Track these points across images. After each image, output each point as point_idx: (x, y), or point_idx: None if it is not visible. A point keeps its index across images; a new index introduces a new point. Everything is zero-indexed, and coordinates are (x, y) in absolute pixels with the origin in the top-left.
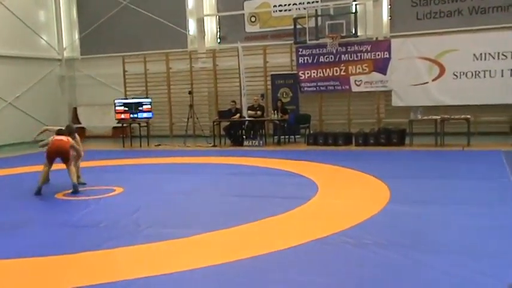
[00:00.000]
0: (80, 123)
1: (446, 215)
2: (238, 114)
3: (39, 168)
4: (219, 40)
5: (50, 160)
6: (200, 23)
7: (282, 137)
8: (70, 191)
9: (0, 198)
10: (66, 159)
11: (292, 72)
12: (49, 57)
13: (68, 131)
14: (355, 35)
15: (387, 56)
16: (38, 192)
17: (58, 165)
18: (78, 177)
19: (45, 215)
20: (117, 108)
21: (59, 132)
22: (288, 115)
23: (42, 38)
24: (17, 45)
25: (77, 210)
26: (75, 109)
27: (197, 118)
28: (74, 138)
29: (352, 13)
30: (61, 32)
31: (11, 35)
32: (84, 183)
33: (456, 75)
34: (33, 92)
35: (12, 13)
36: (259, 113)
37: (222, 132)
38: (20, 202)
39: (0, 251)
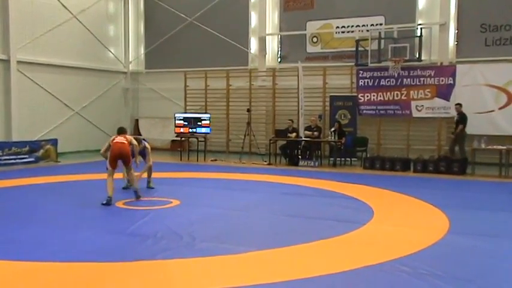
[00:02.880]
0: (140, 134)
1: (508, 249)
2: (294, 134)
3: (102, 176)
4: (279, 59)
5: (114, 163)
6: (262, 41)
7: (338, 159)
8: (129, 200)
9: (61, 204)
10: (127, 162)
11: (352, 94)
12: (115, 70)
13: (119, 132)
14: (419, 59)
15: (451, 82)
16: (109, 203)
17: (118, 175)
18: (148, 182)
19: (104, 222)
20: (177, 122)
21: (120, 131)
22: (345, 137)
23: (110, 51)
24: (87, 58)
25: (134, 219)
26: (136, 121)
27: (254, 135)
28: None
29: (417, 37)
30: (128, 46)
31: (83, 47)
32: (153, 187)
33: None
34: (99, 103)
35: (85, 27)
36: (316, 133)
37: (278, 151)
38: (80, 208)
39: (58, 254)
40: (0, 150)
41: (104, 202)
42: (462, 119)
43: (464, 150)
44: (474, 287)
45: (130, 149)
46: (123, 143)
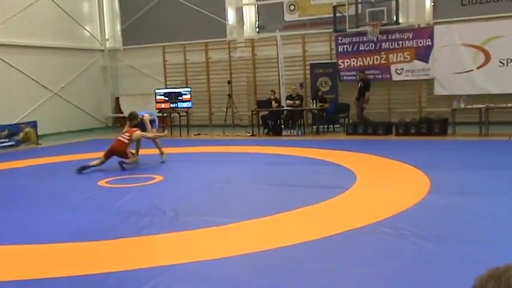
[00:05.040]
0: (121, 112)
1: (488, 206)
2: (276, 104)
3: (83, 156)
4: (257, 29)
5: (108, 156)
6: (239, 12)
7: (321, 126)
8: (112, 178)
9: (43, 187)
10: (124, 157)
11: (332, 61)
12: (92, 48)
13: (128, 120)
14: (397, 22)
15: (429, 43)
16: (80, 170)
17: (100, 154)
18: (161, 153)
19: (87, 202)
20: (157, 97)
21: (128, 118)
22: (327, 104)
23: (85, 29)
24: (62, 37)
25: (118, 197)
26: (117, 99)
27: (236, 108)
28: (137, 125)
29: (394, 0)
30: (104, 23)
31: (57, 26)
32: (164, 160)
33: (502, 63)
34: (77, 83)
35: (57, 5)
36: (297, 102)
37: (261, 122)
38: (62, 190)
39: (42, 235)
40: None
41: (77, 169)
42: (367, 85)
43: (364, 115)
44: (455, 244)
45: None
46: (120, 141)
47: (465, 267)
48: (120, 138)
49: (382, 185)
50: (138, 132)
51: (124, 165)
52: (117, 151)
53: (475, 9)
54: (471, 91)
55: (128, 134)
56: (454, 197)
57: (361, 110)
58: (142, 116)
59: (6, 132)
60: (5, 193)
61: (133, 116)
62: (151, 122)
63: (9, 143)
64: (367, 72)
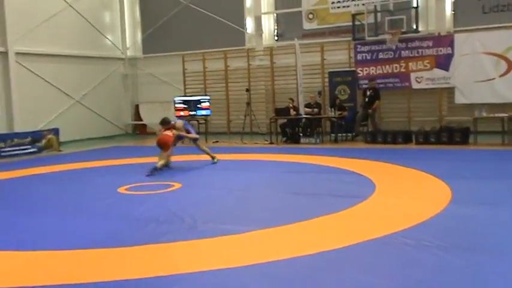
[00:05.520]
0: (141, 120)
1: (509, 217)
2: (294, 112)
3: (103, 163)
4: (276, 38)
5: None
6: (258, 21)
7: (340, 134)
8: (131, 185)
9: (64, 193)
10: (164, 149)
11: (350, 69)
12: (113, 57)
13: (161, 124)
14: (416, 30)
15: (450, 51)
16: (153, 172)
17: (120, 161)
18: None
19: (106, 208)
20: (176, 105)
21: (162, 123)
22: (346, 112)
23: (107, 38)
24: (84, 46)
25: (137, 204)
26: (137, 106)
27: (254, 115)
28: (173, 127)
29: (413, 8)
30: (125, 32)
31: (79, 36)
32: (215, 162)
33: None
34: (98, 90)
35: (80, 15)
36: (316, 110)
37: (279, 130)
38: (82, 196)
39: (61, 242)
40: (2, 142)
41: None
42: (378, 94)
43: (377, 123)
44: (475, 255)
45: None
46: (164, 134)
47: (485, 279)
48: (164, 132)
49: (402, 195)
50: (180, 122)
51: (156, 169)
52: (162, 142)
53: (496, 17)
54: (493, 100)
55: (170, 131)
56: (475, 208)
57: (372, 118)
58: (175, 122)
59: (29, 139)
60: (27, 199)
61: (165, 121)
62: (186, 130)
63: (32, 150)
64: (387, 80)
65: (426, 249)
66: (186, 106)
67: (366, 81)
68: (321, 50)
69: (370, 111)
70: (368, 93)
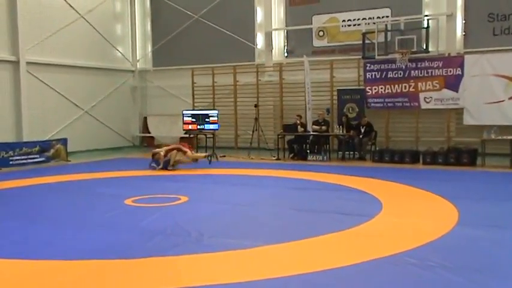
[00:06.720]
0: (149, 132)
1: None
2: (302, 129)
3: (111, 174)
4: (286, 54)
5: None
6: (268, 36)
7: (347, 152)
8: (138, 197)
9: (71, 203)
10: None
11: (359, 87)
12: (123, 69)
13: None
14: (426, 50)
15: (460, 72)
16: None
17: (127, 173)
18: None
19: (113, 219)
20: (185, 119)
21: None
22: (355, 132)
23: (118, 50)
24: (94, 57)
25: (143, 216)
26: (145, 119)
27: (262, 131)
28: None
29: (424, 28)
30: (135, 44)
31: (90, 47)
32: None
33: None
34: (107, 102)
35: (92, 26)
36: (324, 127)
37: (286, 146)
38: (90, 207)
39: (68, 252)
40: (11, 151)
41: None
42: (372, 127)
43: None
44: (482, 277)
45: None
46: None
47: None
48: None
49: (409, 214)
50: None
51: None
52: (153, 153)
53: (506, 40)
54: (502, 122)
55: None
56: (481, 230)
57: (364, 145)
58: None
59: (37, 148)
60: (33, 208)
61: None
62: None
63: (40, 159)
64: (396, 100)
65: (431, 270)
66: (194, 120)
67: (375, 100)
68: (330, 68)
69: (356, 136)
70: (363, 130)
